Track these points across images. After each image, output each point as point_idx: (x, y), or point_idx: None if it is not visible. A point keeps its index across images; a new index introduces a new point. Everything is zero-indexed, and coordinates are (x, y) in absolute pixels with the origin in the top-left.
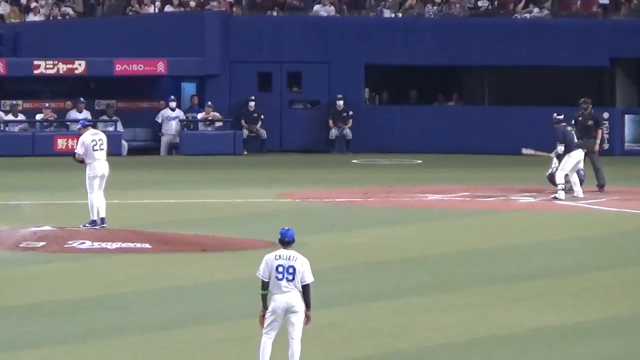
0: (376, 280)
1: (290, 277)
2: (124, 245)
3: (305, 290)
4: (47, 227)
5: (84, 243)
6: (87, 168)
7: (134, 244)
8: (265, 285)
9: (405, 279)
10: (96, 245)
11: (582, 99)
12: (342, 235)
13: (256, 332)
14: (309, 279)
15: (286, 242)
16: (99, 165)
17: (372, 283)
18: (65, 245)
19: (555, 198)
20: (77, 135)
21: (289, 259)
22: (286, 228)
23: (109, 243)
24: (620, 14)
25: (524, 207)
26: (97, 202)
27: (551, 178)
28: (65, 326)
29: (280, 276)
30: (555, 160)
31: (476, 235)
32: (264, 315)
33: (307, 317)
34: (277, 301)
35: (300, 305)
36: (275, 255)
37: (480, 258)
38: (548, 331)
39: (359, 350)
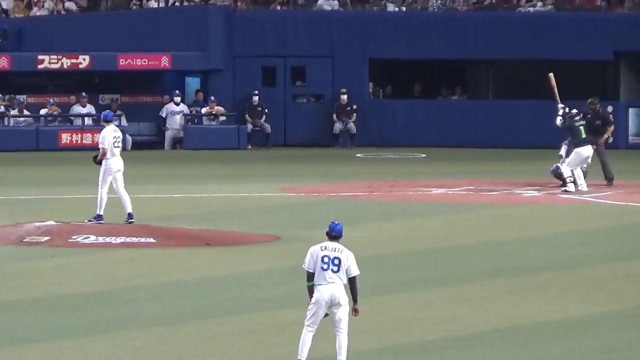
0: (379, 274)
1: (336, 268)
2: (128, 239)
3: (352, 282)
4: (51, 222)
5: (88, 237)
6: (103, 164)
7: (138, 238)
8: (310, 277)
9: (408, 272)
10: (100, 239)
11: (590, 100)
12: (346, 229)
13: (259, 326)
14: (355, 271)
15: (333, 235)
16: (115, 161)
17: (376, 277)
18: (70, 240)
19: (565, 191)
20: (81, 130)
21: (335, 250)
22: (336, 222)
23: (113, 237)
24: (624, 8)
25: (527, 200)
26: (106, 197)
27: (556, 173)
28: (69, 320)
29: (325, 267)
30: (562, 150)
31: (480, 229)
32: None
33: (356, 310)
34: (321, 292)
35: (344, 298)
36: (321, 247)
37: (484, 251)
38: (551, 324)
39: (362, 343)
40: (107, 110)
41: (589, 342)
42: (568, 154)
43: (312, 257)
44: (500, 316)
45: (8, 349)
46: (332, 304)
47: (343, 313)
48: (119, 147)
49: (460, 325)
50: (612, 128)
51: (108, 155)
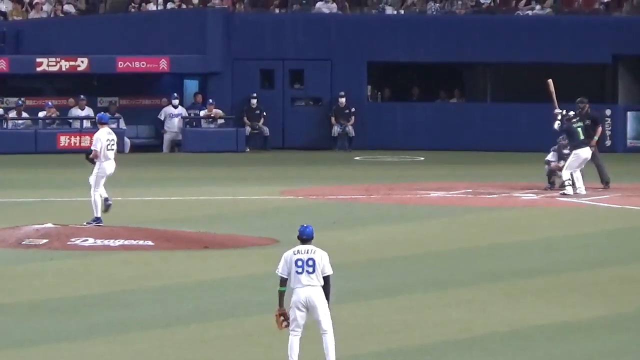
0: (378, 277)
1: (310, 269)
2: (126, 242)
3: (326, 282)
4: (49, 225)
5: (87, 240)
6: (97, 166)
7: (137, 241)
8: (283, 282)
9: (407, 275)
10: (99, 242)
11: (579, 99)
12: (344, 232)
13: (258, 329)
14: (329, 271)
15: (304, 239)
16: (109, 165)
17: (374, 280)
18: (68, 243)
19: (563, 194)
20: (80, 132)
21: (308, 252)
22: (305, 225)
23: (112, 240)
24: (622, 11)
25: (526, 203)
26: (100, 200)
27: (550, 175)
28: (68, 323)
29: (300, 270)
30: (550, 156)
31: (478, 232)
32: (280, 315)
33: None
34: (297, 294)
35: (320, 300)
36: (294, 251)
37: (482, 254)
38: (550, 327)
39: (361, 347)
40: (102, 112)
41: (588, 345)
42: (560, 158)
43: (285, 263)
44: (499, 319)
45: (7, 352)
46: (308, 306)
47: (322, 314)
48: (112, 149)
49: (459, 328)
50: (600, 129)
51: (102, 158)
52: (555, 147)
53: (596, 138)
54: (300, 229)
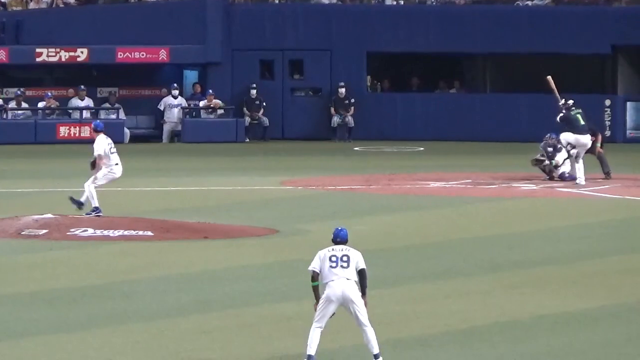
0: (378, 268)
1: (345, 264)
2: (126, 232)
3: (362, 275)
4: (49, 215)
5: (86, 231)
6: (107, 170)
7: (136, 231)
8: (315, 277)
9: (407, 266)
10: (98, 232)
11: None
12: (343, 222)
13: (258, 320)
14: (363, 265)
15: (338, 242)
16: (118, 168)
17: (374, 271)
18: (68, 233)
19: (560, 175)
20: (79, 123)
21: (342, 250)
22: (340, 227)
23: (112, 231)
24: (622, 2)
25: (525, 194)
26: (95, 190)
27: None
28: (68, 314)
29: (334, 265)
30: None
31: (478, 223)
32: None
33: (364, 303)
34: (333, 288)
35: (355, 294)
36: (328, 249)
37: (482, 245)
38: (550, 318)
39: (361, 337)
40: (97, 121)
41: (588, 336)
42: (553, 155)
43: (319, 259)
44: (499, 310)
45: (7, 342)
46: (345, 300)
47: (359, 308)
48: (114, 152)
49: (459, 319)
50: (600, 137)
51: (110, 162)
52: (542, 144)
53: (598, 145)
54: (335, 231)
